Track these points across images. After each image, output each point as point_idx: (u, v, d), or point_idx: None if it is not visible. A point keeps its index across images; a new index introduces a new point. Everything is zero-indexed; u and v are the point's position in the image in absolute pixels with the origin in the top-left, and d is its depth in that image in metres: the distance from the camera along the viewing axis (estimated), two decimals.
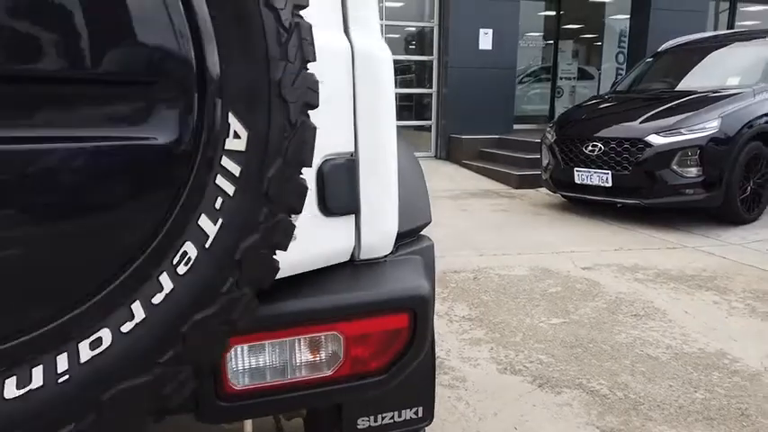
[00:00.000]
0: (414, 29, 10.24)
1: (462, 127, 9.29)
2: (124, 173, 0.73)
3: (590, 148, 5.47)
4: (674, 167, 5.06)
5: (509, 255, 4.33)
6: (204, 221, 0.76)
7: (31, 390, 0.71)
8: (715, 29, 12.42)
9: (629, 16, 11.12)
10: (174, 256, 0.76)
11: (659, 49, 7.07)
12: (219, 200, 0.76)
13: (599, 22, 12.59)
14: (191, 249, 0.76)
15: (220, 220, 0.77)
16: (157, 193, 0.75)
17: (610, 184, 5.35)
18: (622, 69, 11.78)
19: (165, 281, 0.76)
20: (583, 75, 12.63)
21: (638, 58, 10.36)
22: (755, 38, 6.22)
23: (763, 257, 4.29)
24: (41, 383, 0.72)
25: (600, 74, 12.50)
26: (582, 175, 5.56)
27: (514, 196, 6.93)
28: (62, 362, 0.73)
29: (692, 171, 5.05)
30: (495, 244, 4.64)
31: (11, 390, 0.71)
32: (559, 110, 11.84)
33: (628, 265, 4.08)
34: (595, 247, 4.54)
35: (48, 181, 0.68)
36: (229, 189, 0.77)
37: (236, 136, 0.76)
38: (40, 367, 0.72)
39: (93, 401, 0.74)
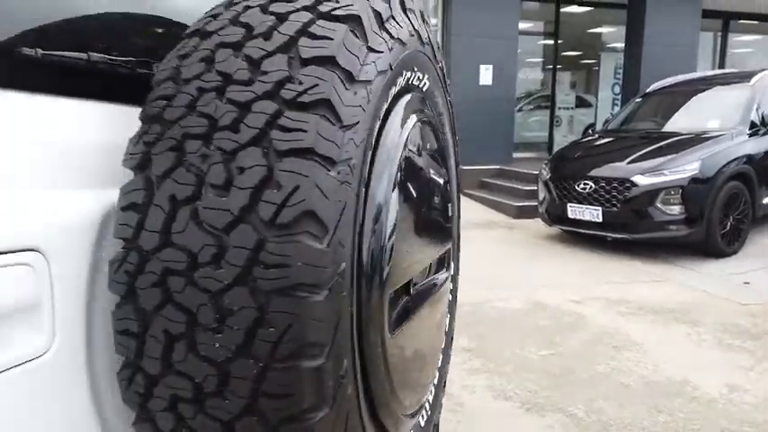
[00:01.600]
0: None
1: (464, 158, 9.72)
2: None
3: (582, 185, 5.94)
4: (659, 205, 5.51)
5: (506, 288, 4.77)
6: None
7: None
8: (714, 58, 12.98)
9: (624, 42, 11.64)
10: None
11: (647, 90, 7.57)
12: None
13: (596, 52, 13.14)
14: None
15: None
16: None
17: (600, 220, 5.80)
18: (618, 100, 12.31)
19: None
20: (581, 102, 13.14)
21: (632, 90, 10.88)
22: (734, 82, 6.71)
23: (737, 290, 4.72)
24: None
25: (597, 103, 13.01)
26: (575, 211, 6.02)
27: (513, 227, 7.37)
28: None
29: (675, 209, 5.50)
30: (494, 276, 5.07)
31: None
32: (558, 138, 12.36)
33: (614, 298, 4.51)
34: (586, 281, 4.97)
35: None
36: None
37: None
38: None
39: None
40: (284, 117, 0.70)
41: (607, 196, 5.74)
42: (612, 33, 12.74)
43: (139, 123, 0.77)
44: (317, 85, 0.71)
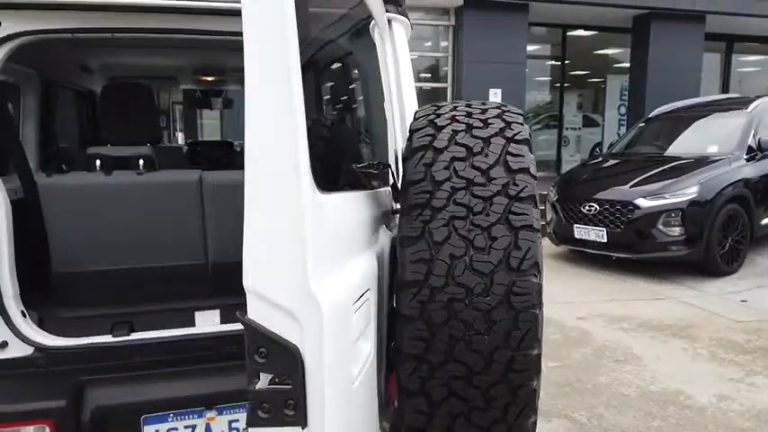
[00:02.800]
0: (429, 89, 11.21)
1: None
2: None
3: (587, 207, 6.28)
4: (660, 227, 5.84)
5: None
6: None
7: None
8: (722, 79, 13.30)
9: (629, 63, 12.00)
10: None
11: (650, 116, 7.92)
12: None
13: (602, 74, 13.52)
14: None
15: None
16: None
17: (605, 240, 6.13)
18: (624, 120, 12.65)
19: None
20: (588, 122, 13.49)
21: (637, 111, 11.23)
22: (733, 108, 7.05)
23: (734, 308, 5.02)
24: None
25: (604, 122, 13.36)
26: (581, 231, 6.36)
27: None
28: None
29: (676, 230, 5.83)
30: None
31: None
32: (566, 156, 12.72)
33: (616, 315, 4.83)
34: (591, 298, 5.30)
35: None
36: None
37: None
38: None
39: None
40: (514, 205, 1.15)
41: (611, 218, 6.08)
42: (618, 55, 13.13)
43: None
44: (527, 186, 1.18)
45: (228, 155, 4.31)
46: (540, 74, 12.93)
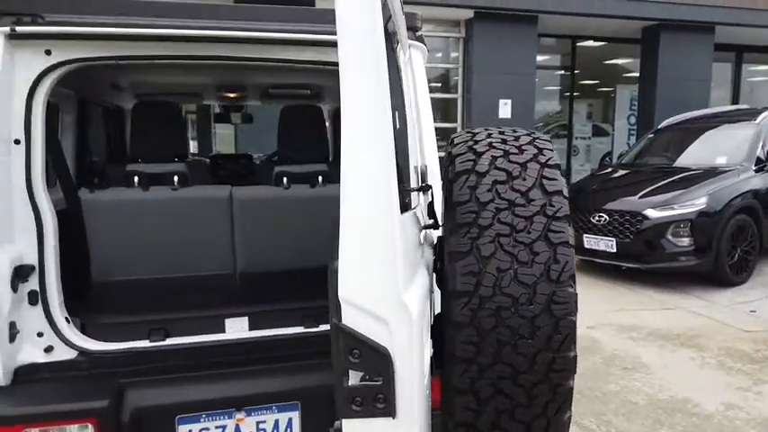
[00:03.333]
0: (440, 99, 11.35)
1: None
2: None
3: (597, 218, 6.37)
4: (669, 237, 5.92)
5: None
6: None
7: None
8: (732, 89, 13.33)
9: (638, 74, 12.08)
10: None
11: (659, 127, 8.01)
12: None
13: (612, 83, 13.59)
14: None
15: None
16: None
17: (615, 250, 6.21)
18: (634, 130, 12.71)
19: None
20: (598, 132, 13.54)
21: (647, 121, 11.30)
22: (741, 120, 7.12)
23: (743, 318, 5.09)
24: None
25: (613, 132, 13.41)
26: (590, 241, 6.44)
27: None
28: None
29: (685, 241, 5.90)
30: None
31: None
32: (576, 166, 12.78)
33: (626, 324, 4.91)
34: (601, 307, 5.38)
35: None
36: None
37: None
38: None
39: None
40: (552, 224, 1.30)
41: (621, 228, 6.16)
42: (628, 65, 13.21)
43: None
44: (562, 206, 1.33)
45: (249, 168, 4.45)
46: (549, 84, 13.03)
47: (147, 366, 2.04)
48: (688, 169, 6.61)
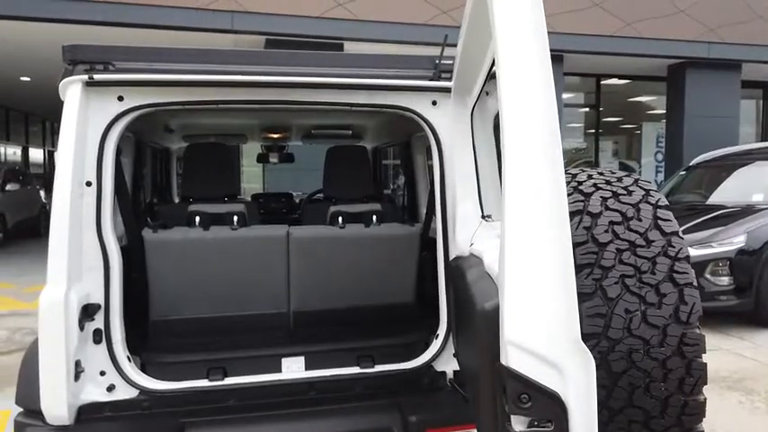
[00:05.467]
0: None
1: None
2: None
3: None
4: (708, 276, 5.79)
5: None
6: None
7: None
8: (761, 125, 13.21)
9: (665, 110, 12.04)
10: None
11: (691, 164, 7.94)
12: None
13: (638, 120, 13.57)
14: None
15: None
16: None
17: None
18: (661, 167, 12.61)
19: None
20: (624, 169, 13.45)
21: (675, 159, 11.22)
22: None
23: None
24: None
25: (640, 169, 13.32)
26: None
27: None
28: None
29: (724, 280, 5.78)
30: None
31: None
32: None
33: None
34: None
35: None
36: None
37: None
38: None
39: None
40: (676, 265, 1.30)
41: None
42: (653, 102, 13.22)
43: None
44: (682, 247, 1.33)
45: (290, 206, 4.53)
46: (574, 121, 13.08)
47: (207, 406, 2.05)
48: (723, 206, 6.52)
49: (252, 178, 12.30)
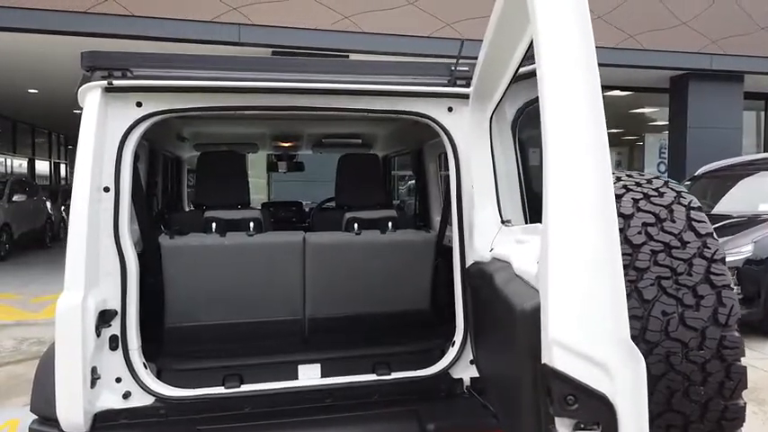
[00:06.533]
0: None
1: None
2: None
3: None
4: None
5: None
6: None
7: None
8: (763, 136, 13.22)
9: (667, 122, 12.06)
10: None
11: (696, 174, 7.95)
12: None
13: (640, 131, 13.59)
14: None
15: None
16: None
17: None
18: (664, 177, 12.58)
19: None
20: None
21: (678, 169, 11.22)
22: None
23: None
24: None
25: None
26: None
27: None
28: None
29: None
30: None
31: None
32: None
33: None
34: None
35: None
36: None
37: None
38: None
39: None
40: (712, 267, 1.29)
41: None
42: (655, 114, 13.24)
43: None
44: (718, 249, 1.33)
45: (300, 215, 4.53)
46: None
47: (223, 413, 2.04)
48: (729, 216, 6.51)
49: (258, 189, 12.33)
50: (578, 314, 0.97)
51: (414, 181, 4.59)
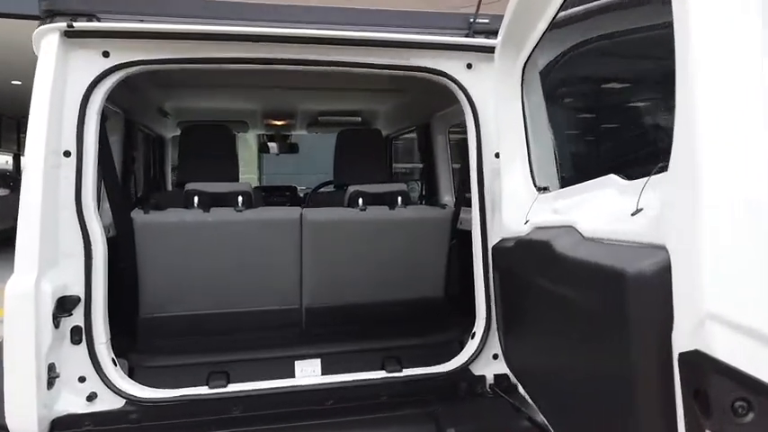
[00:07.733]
0: None
1: None
2: None
3: None
4: None
5: None
6: None
7: None
8: None
9: None
10: None
11: None
12: None
13: None
14: None
15: None
16: None
17: None
18: None
19: None
20: None
21: None
22: None
23: None
24: None
25: None
26: None
27: None
28: None
29: None
30: None
31: None
32: None
33: None
34: None
35: None
36: None
37: None
38: None
39: None
40: None
41: None
42: None
43: None
44: None
45: (295, 200, 4.26)
46: None
47: (207, 417, 1.75)
48: None
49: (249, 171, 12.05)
50: (748, 275, 0.63)
51: (419, 166, 4.31)
